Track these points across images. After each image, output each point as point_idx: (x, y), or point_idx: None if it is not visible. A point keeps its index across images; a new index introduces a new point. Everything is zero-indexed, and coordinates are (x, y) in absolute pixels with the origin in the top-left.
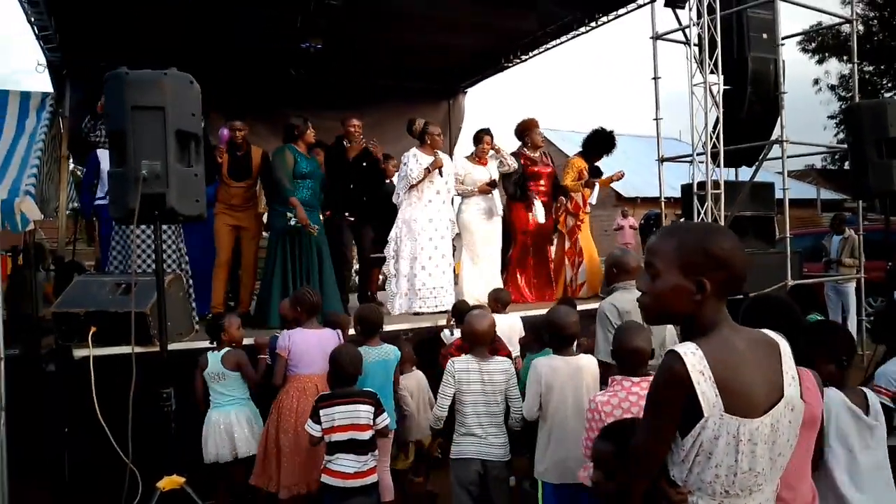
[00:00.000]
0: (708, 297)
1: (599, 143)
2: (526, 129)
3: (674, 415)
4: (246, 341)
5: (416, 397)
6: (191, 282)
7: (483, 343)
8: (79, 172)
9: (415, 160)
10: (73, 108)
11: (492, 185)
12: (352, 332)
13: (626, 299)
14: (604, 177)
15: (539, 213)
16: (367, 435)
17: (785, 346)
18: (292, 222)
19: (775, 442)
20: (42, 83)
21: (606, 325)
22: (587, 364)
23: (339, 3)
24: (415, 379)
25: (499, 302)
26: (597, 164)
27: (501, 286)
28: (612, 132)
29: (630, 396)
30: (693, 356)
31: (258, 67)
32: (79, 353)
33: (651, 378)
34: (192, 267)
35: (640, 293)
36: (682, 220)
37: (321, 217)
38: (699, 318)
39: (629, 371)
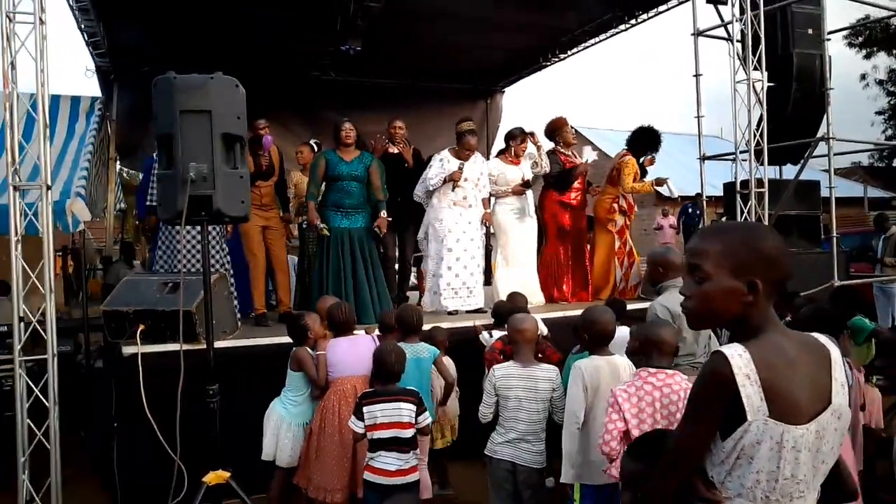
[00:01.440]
0: (759, 298)
1: (646, 139)
2: (556, 129)
3: (716, 417)
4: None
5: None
6: (233, 281)
7: (526, 345)
8: (125, 174)
9: (439, 164)
10: (120, 112)
11: (525, 185)
12: None
13: (677, 299)
14: (647, 179)
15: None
16: (409, 433)
17: (836, 352)
18: (305, 224)
19: (819, 449)
20: (91, 88)
21: None
22: (623, 363)
23: (379, 5)
24: (450, 364)
25: (514, 305)
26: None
27: (538, 287)
28: (656, 129)
29: (645, 385)
30: (740, 358)
31: (297, 69)
32: (127, 350)
33: (671, 373)
34: (233, 266)
35: (682, 297)
36: (723, 218)
37: (381, 215)
38: (748, 321)
39: (649, 363)
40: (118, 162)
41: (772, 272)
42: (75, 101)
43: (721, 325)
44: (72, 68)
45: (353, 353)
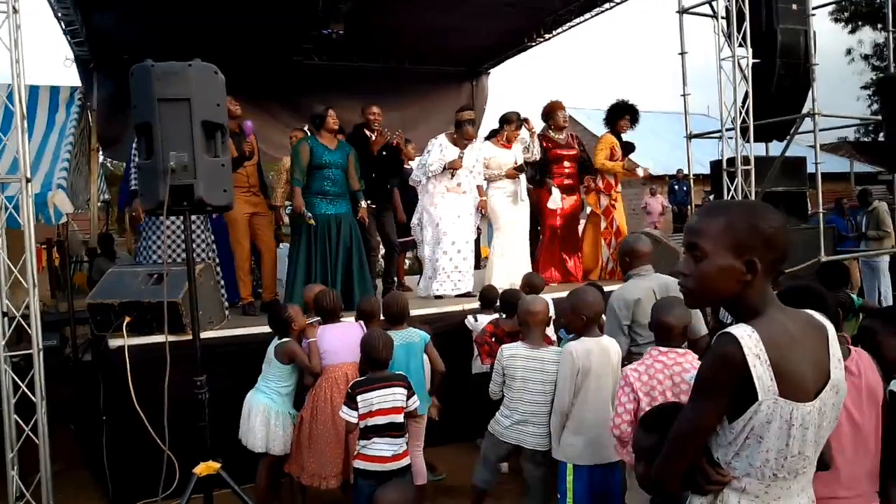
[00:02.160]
0: (757, 278)
1: (620, 111)
2: (551, 112)
3: (725, 398)
4: None
5: None
6: (219, 270)
7: (537, 326)
8: (109, 165)
9: (439, 150)
10: (100, 101)
11: (519, 169)
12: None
13: (639, 287)
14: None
15: (556, 199)
16: (401, 418)
17: (831, 328)
18: (288, 210)
19: (821, 425)
20: (71, 78)
21: (613, 318)
22: (611, 344)
23: None
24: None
25: (531, 286)
26: (626, 140)
27: (530, 270)
28: (631, 102)
29: (656, 364)
30: (749, 339)
31: (279, 53)
32: (114, 342)
33: (682, 351)
34: (220, 255)
35: (680, 277)
36: (710, 196)
37: (360, 206)
38: (747, 300)
39: (660, 342)
40: (100, 152)
41: (771, 251)
42: (54, 91)
43: (719, 304)
44: (51, 58)
45: (342, 340)
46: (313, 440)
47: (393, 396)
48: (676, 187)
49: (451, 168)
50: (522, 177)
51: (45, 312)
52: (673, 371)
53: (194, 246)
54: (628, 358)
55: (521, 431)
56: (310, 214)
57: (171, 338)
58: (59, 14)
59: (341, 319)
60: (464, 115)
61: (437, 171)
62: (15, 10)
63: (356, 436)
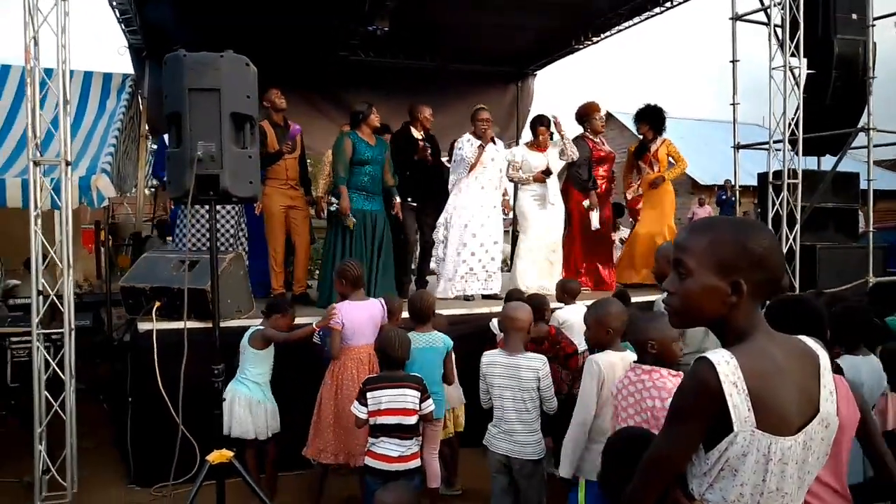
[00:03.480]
0: (743, 300)
1: (638, 116)
2: (585, 115)
3: (700, 426)
4: (303, 320)
5: None
6: (248, 260)
7: (515, 332)
8: None
9: (469, 144)
10: (151, 89)
11: (546, 173)
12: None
13: None
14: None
15: (594, 220)
16: (412, 420)
17: (825, 357)
18: (333, 208)
19: (806, 461)
20: (127, 67)
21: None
22: (633, 357)
23: None
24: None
25: (566, 292)
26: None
27: (560, 275)
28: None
29: (637, 384)
30: (727, 365)
31: (325, 49)
32: (143, 326)
33: (662, 371)
34: (254, 245)
35: (667, 293)
36: (758, 210)
37: (395, 201)
38: (732, 323)
39: (644, 362)
40: (149, 139)
41: (759, 273)
42: (107, 77)
43: (703, 324)
44: (110, 47)
45: (365, 318)
46: (339, 418)
47: (403, 398)
48: (724, 198)
49: (475, 162)
50: (552, 180)
51: (87, 293)
52: (636, 388)
53: (228, 235)
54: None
55: (508, 441)
56: (353, 218)
57: (199, 324)
58: (114, 2)
59: (362, 292)
60: (477, 110)
61: (474, 154)
62: None
63: (367, 431)
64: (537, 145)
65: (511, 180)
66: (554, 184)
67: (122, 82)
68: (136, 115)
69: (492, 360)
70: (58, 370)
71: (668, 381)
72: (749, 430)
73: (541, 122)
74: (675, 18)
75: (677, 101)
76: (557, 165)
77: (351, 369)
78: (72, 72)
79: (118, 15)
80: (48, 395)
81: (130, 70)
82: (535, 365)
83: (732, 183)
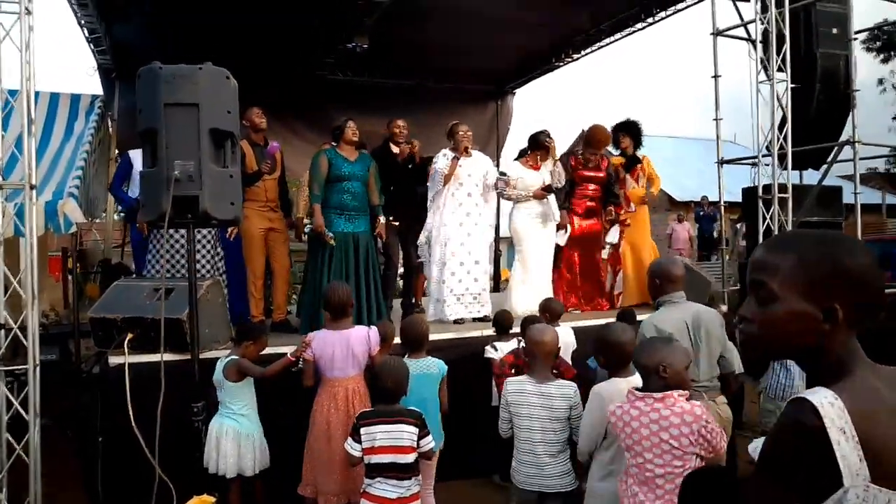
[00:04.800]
0: (839, 328)
1: (629, 128)
2: (595, 140)
3: (799, 481)
4: (284, 349)
5: None
6: (226, 288)
7: (545, 360)
8: None
9: (444, 157)
10: (121, 111)
11: (547, 189)
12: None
13: (672, 318)
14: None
15: (613, 234)
16: (410, 458)
17: None
18: (307, 229)
19: None
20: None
21: None
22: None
23: (386, 1)
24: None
25: (549, 313)
26: (631, 153)
27: (549, 294)
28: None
29: (652, 413)
30: (831, 408)
31: (303, 68)
32: (114, 360)
33: (674, 394)
34: (231, 270)
35: (741, 321)
36: (740, 226)
37: (379, 221)
38: (826, 355)
39: (652, 389)
40: (118, 162)
41: (857, 295)
42: (75, 98)
43: (789, 357)
44: (79, 68)
45: (341, 349)
46: (317, 461)
47: (399, 434)
48: (702, 214)
49: (460, 156)
50: (552, 197)
51: (53, 323)
52: (650, 419)
53: (204, 261)
54: None
55: (541, 476)
56: (331, 234)
57: (175, 357)
58: (83, 21)
59: (348, 316)
60: (455, 124)
61: (445, 168)
62: (28, 12)
63: (361, 469)
64: (532, 163)
65: (507, 198)
66: (553, 201)
67: (91, 104)
68: (105, 137)
69: (520, 388)
70: (20, 410)
71: (685, 404)
72: (862, 484)
73: (545, 136)
74: (648, 37)
75: (650, 119)
76: (549, 181)
77: (323, 405)
78: (37, 93)
79: (87, 34)
80: (9, 437)
81: (100, 91)
82: (568, 393)
83: (709, 199)
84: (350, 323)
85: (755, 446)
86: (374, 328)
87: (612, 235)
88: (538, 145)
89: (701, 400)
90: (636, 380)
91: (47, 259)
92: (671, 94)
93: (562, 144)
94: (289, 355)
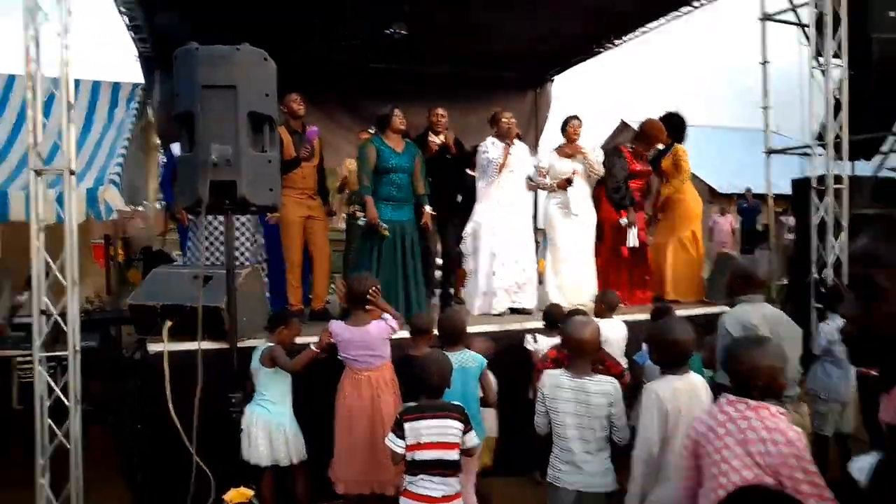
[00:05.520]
0: None
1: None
2: (650, 136)
3: None
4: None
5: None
6: (266, 276)
7: (585, 355)
8: None
9: (493, 145)
10: (162, 99)
11: (567, 182)
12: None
13: (756, 313)
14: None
15: (631, 238)
16: (454, 454)
17: None
18: (361, 222)
19: None
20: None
21: (727, 342)
22: (699, 382)
23: None
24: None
25: (605, 303)
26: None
27: (593, 287)
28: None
29: (740, 422)
30: None
31: (342, 55)
32: (153, 347)
33: (770, 408)
34: (272, 258)
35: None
36: (789, 219)
37: (425, 211)
38: None
39: (744, 393)
40: (160, 151)
41: None
42: (116, 87)
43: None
44: (119, 56)
45: (357, 343)
46: (339, 446)
47: (445, 429)
48: (745, 206)
49: (503, 162)
50: (576, 188)
51: (97, 309)
52: (738, 427)
53: (243, 248)
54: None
55: (582, 473)
56: (385, 226)
57: (214, 345)
58: (122, 9)
59: (368, 309)
60: (498, 112)
61: (500, 157)
62: None
63: (385, 459)
64: (566, 151)
65: (537, 187)
66: (579, 192)
67: (132, 92)
68: (145, 125)
69: (557, 383)
70: (62, 396)
71: (780, 422)
72: None
73: (572, 120)
74: (688, 24)
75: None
76: (580, 172)
77: (345, 394)
78: (79, 81)
79: (128, 22)
80: (51, 422)
81: (140, 79)
82: (607, 389)
83: (753, 191)
84: (368, 318)
85: (860, 466)
86: (388, 316)
87: (631, 239)
88: (563, 131)
89: (787, 409)
90: (693, 378)
91: (91, 245)
92: (711, 83)
93: (599, 134)
94: (312, 346)
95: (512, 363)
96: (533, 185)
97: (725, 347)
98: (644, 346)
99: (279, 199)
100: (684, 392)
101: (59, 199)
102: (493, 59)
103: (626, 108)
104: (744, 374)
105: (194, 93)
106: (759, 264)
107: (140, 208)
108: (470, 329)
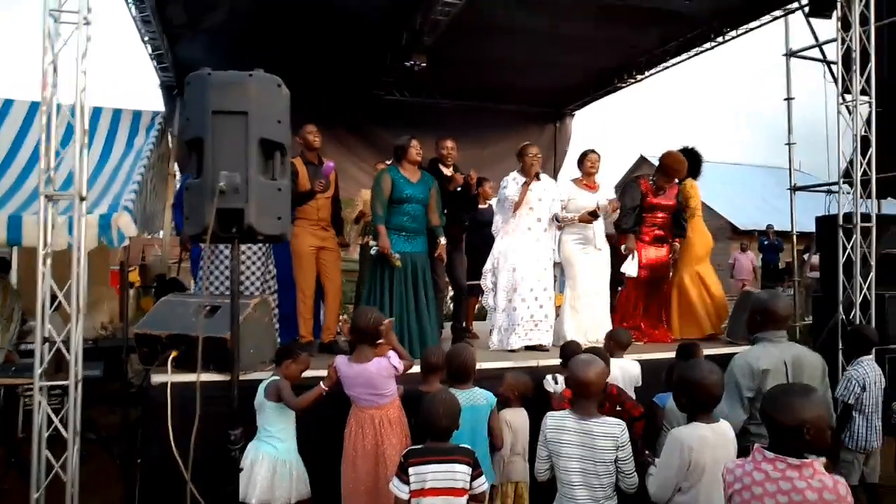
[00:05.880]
0: None
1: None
2: (670, 168)
3: None
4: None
5: (517, 438)
6: (276, 307)
7: (590, 396)
8: None
9: (514, 182)
10: (181, 128)
11: (593, 214)
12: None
13: (770, 354)
14: None
15: (632, 265)
16: (461, 501)
17: None
18: (373, 251)
19: None
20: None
21: (733, 387)
22: (728, 431)
23: (446, 18)
24: (521, 417)
25: (614, 341)
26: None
27: (608, 324)
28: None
29: (782, 483)
30: None
31: (360, 86)
32: (157, 378)
33: (815, 466)
34: (283, 289)
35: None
36: (813, 256)
37: (440, 242)
38: None
39: (787, 451)
40: (178, 178)
41: None
42: (136, 115)
43: None
44: (143, 86)
45: (359, 382)
46: (344, 485)
47: (452, 474)
48: (766, 243)
49: (530, 181)
50: (598, 223)
51: (108, 336)
52: (780, 488)
53: (254, 277)
54: (742, 435)
55: None
56: (397, 256)
57: (218, 377)
58: (146, 38)
59: (377, 344)
60: (526, 146)
61: (517, 193)
62: (87, 22)
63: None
64: (587, 182)
65: (563, 225)
66: (600, 226)
67: (152, 120)
68: (165, 153)
69: (559, 424)
70: (60, 427)
71: (826, 478)
72: None
73: (590, 153)
74: (710, 60)
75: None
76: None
77: (351, 433)
78: (100, 109)
79: (150, 51)
80: (49, 454)
81: (161, 108)
82: (613, 432)
83: (774, 228)
84: (371, 354)
85: None
86: (391, 353)
87: (631, 268)
88: (580, 165)
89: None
90: (721, 427)
91: (108, 271)
92: (732, 120)
93: (620, 168)
94: (322, 384)
95: (531, 403)
96: (560, 225)
97: (768, 396)
98: (664, 387)
99: (288, 229)
100: (711, 440)
101: (70, 225)
102: (512, 93)
103: (645, 142)
104: (789, 426)
105: (205, 118)
106: (781, 299)
107: (158, 235)
108: (484, 365)
